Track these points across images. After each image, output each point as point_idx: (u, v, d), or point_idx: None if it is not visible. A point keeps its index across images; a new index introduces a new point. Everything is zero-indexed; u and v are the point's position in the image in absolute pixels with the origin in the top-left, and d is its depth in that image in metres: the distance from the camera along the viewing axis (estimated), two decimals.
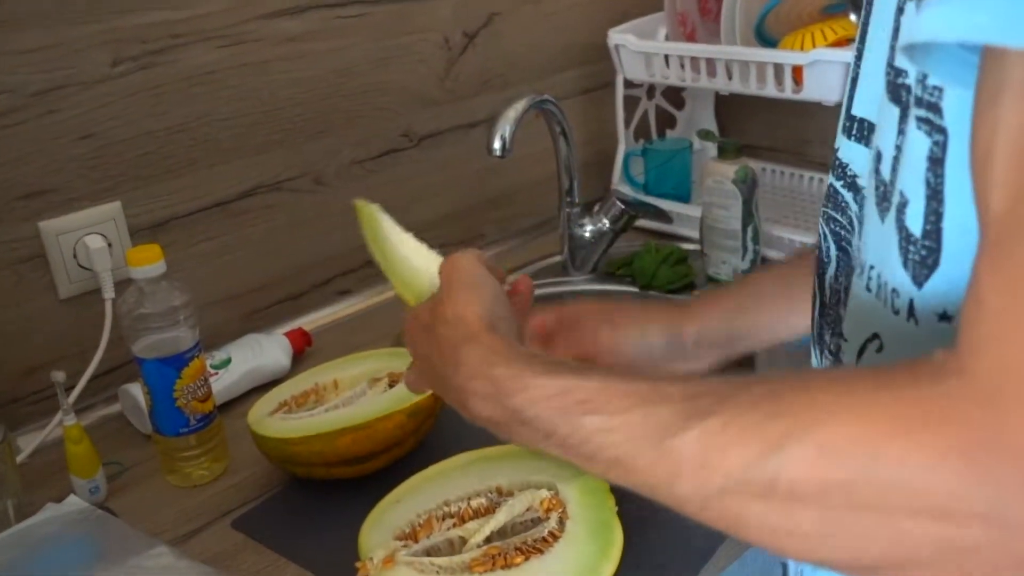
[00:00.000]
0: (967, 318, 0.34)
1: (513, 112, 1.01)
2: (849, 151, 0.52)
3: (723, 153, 1.13)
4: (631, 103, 1.40)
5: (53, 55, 0.89)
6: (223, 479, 0.86)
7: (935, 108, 0.39)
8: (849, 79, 0.52)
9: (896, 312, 0.44)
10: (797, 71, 1.13)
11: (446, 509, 0.71)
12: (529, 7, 1.28)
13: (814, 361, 0.58)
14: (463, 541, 0.68)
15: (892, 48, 0.44)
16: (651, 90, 1.43)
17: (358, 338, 1.08)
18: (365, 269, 1.18)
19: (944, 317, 0.41)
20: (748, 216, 1.12)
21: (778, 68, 1.14)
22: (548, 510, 0.69)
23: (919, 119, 0.40)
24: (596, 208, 1.19)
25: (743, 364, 1.01)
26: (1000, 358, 0.32)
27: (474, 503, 0.71)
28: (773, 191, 1.40)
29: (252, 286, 1.09)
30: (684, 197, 1.32)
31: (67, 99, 0.90)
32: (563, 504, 0.69)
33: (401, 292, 0.67)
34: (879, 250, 0.45)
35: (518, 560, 0.64)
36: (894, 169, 0.43)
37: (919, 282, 0.42)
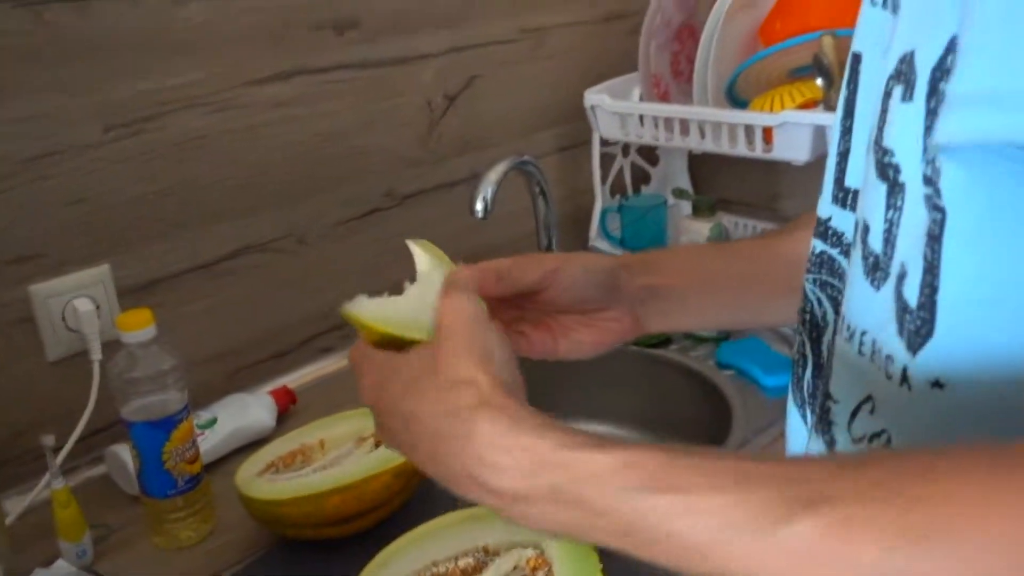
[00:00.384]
0: None
1: (495, 174, 1.04)
2: (844, 221, 0.54)
3: (697, 210, 1.17)
4: (607, 160, 1.43)
5: (45, 123, 0.91)
6: (210, 540, 0.87)
7: (936, 187, 0.41)
8: (837, 152, 0.54)
9: (889, 377, 0.45)
10: (767, 131, 1.17)
11: (434, 570, 0.72)
12: (508, 69, 1.32)
13: (795, 419, 0.59)
14: None
15: (879, 128, 0.46)
16: (626, 148, 1.47)
17: (341, 395, 1.09)
18: (348, 327, 1.20)
19: (937, 384, 0.42)
20: None
21: (749, 128, 1.19)
22: (534, 569, 0.70)
23: (925, 196, 0.41)
24: None
25: (721, 414, 1.04)
26: None
27: (461, 563, 0.72)
28: None
29: (236, 345, 1.11)
30: None
31: (58, 165, 0.92)
32: (549, 563, 0.70)
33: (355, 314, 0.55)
34: (872, 317, 0.46)
35: None
36: (887, 242, 0.45)
37: (914, 350, 0.43)
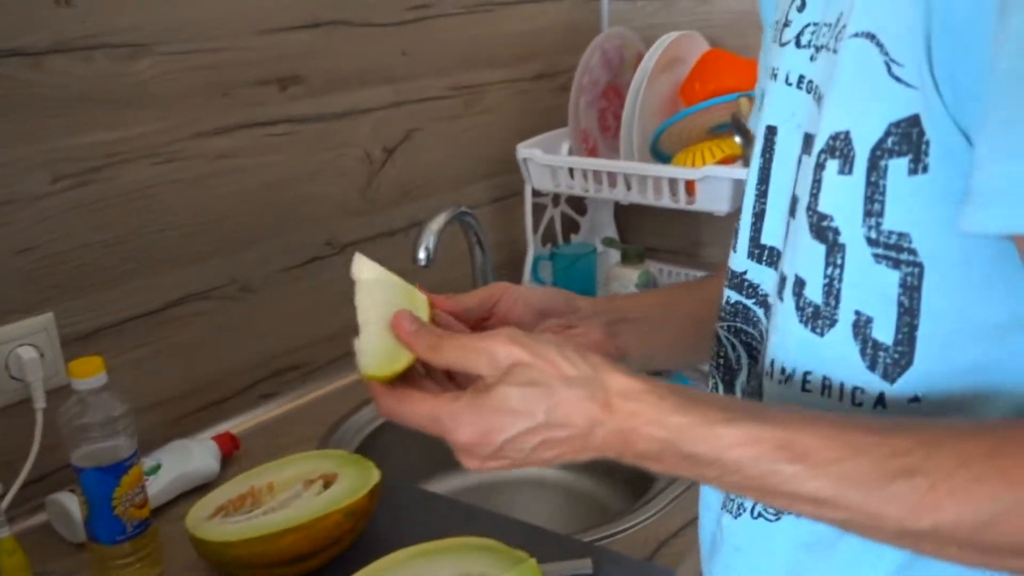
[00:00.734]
0: None
1: (435, 224, 1.09)
2: (760, 274, 0.60)
3: (626, 258, 1.24)
4: (539, 210, 1.50)
5: None
6: None
7: (899, 248, 0.48)
8: (752, 213, 0.61)
9: (858, 404, 0.51)
10: (690, 184, 1.25)
11: None
12: (444, 124, 1.38)
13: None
14: None
15: (813, 195, 0.52)
16: (556, 198, 1.54)
17: (283, 440, 1.11)
18: (288, 373, 1.22)
19: (915, 399, 0.50)
20: None
21: (673, 182, 1.26)
22: None
23: (876, 256, 0.49)
24: None
25: None
26: None
27: None
28: None
29: (179, 392, 1.12)
30: None
31: (6, 216, 0.93)
32: None
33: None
34: (818, 358, 0.53)
35: None
36: (828, 294, 0.51)
37: (891, 379, 0.50)
